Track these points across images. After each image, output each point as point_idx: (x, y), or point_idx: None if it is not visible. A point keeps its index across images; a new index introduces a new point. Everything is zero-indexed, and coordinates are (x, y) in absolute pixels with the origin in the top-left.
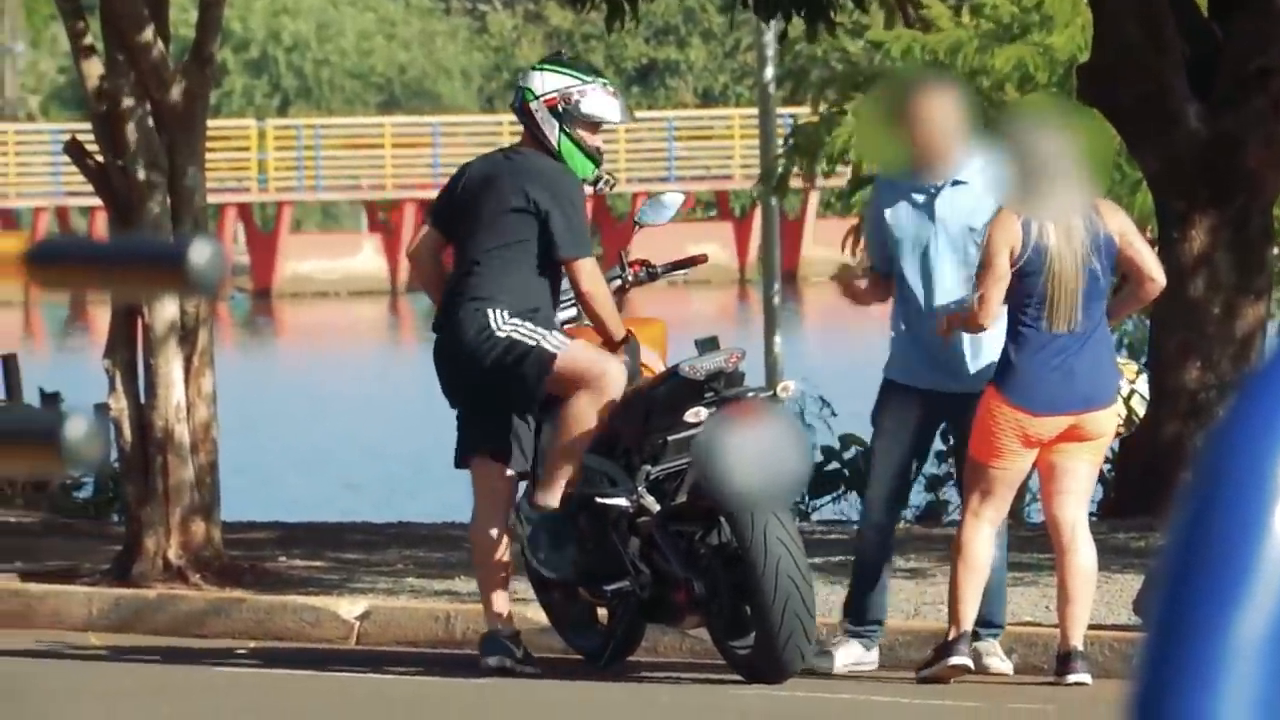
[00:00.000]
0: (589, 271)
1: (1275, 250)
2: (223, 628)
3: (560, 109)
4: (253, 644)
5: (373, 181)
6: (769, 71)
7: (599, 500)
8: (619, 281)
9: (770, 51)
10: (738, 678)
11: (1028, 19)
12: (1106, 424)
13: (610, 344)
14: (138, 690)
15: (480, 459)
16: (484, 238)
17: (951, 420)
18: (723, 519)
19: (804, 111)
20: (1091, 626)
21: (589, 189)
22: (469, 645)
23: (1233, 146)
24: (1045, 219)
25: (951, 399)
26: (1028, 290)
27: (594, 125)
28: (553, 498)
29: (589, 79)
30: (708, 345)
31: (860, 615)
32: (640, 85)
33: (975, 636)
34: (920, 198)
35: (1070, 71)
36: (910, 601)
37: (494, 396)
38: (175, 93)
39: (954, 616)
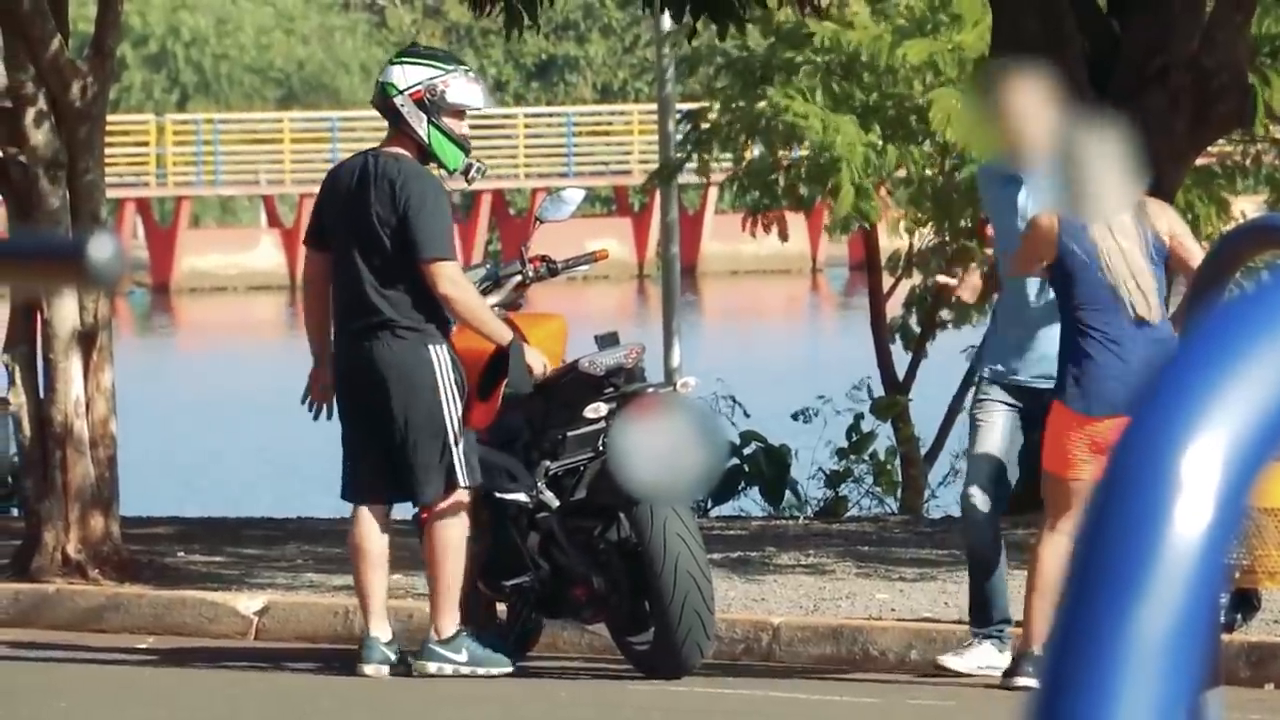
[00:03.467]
0: (448, 275)
1: None
2: (121, 623)
3: (426, 101)
4: (151, 639)
5: (271, 176)
6: (668, 67)
7: (498, 495)
8: (519, 277)
9: (668, 47)
10: (636, 673)
11: (937, 18)
12: None
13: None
14: (36, 685)
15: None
16: (368, 248)
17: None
18: (622, 515)
19: (704, 106)
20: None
21: (460, 179)
22: None
23: (1132, 142)
24: (1091, 221)
25: (1040, 394)
26: (1078, 292)
27: (460, 113)
28: (449, 625)
29: (450, 67)
30: (607, 341)
31: (984, 617)
32: (539, 81)
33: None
34: (1011, 187)
35: (979, 69)
36: (809, 597)
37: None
38: (75, 88)
39: (1024, 633)
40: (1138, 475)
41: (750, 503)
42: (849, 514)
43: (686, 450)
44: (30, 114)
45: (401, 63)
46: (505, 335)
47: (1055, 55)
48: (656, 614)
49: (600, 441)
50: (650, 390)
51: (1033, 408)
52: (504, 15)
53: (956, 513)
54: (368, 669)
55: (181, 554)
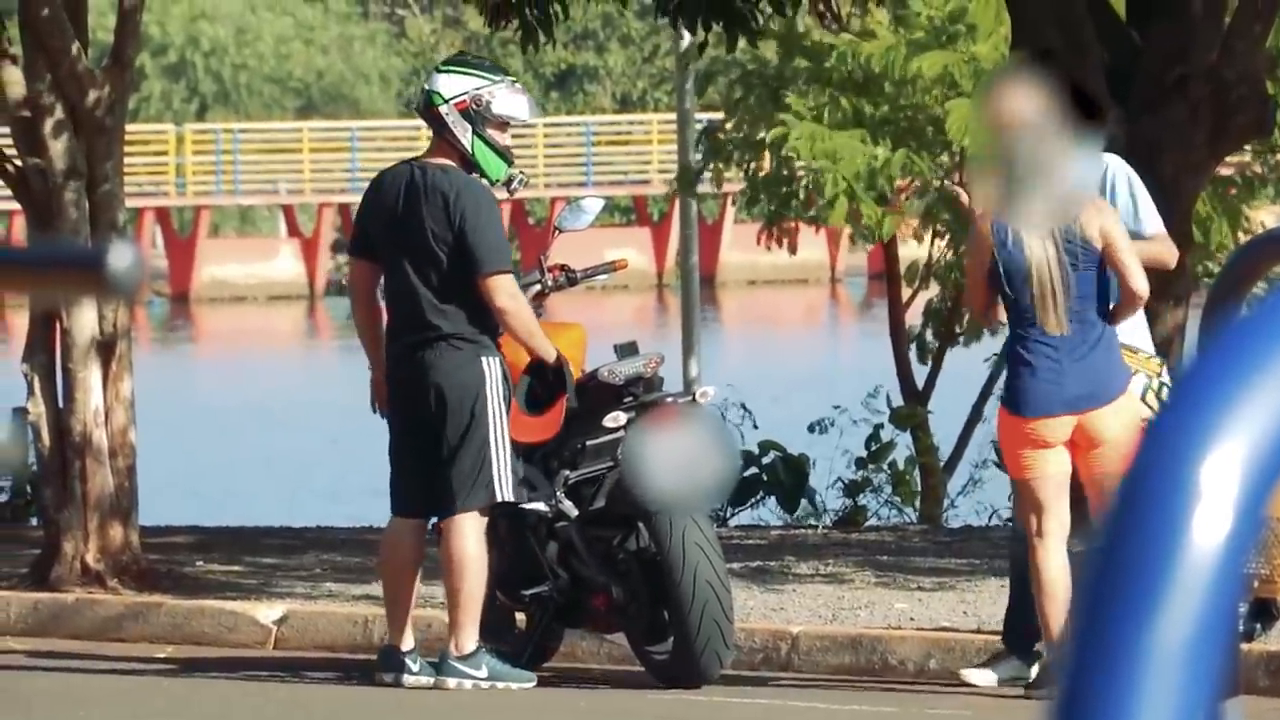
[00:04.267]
0: (506, 288)
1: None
2: (141, 632)
3: (472, 111)
4: (171, 648)
5: (291, 186)
6: (688, 77)
7: (517, 505)
8: (538, 286)
9: (688, 56)
10: (655, 683)
11: (953, 28)
12: (1112, 424)
13: (539, 364)
14: (55, 694)
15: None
16: (421, 261)
17: None
18: (641, 524)
19: (721, 120)
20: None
21: (503, 190)
22: None
23: (1151, 153)
24: (1020, 226)
25: None
26: (1012, 296)
27: (503, 124)
28: (469, 640)
29: (497, 78)
30: (626, 350)
31: (1016, 632)
32: (559, 90)
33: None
34: None
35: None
36: (828, 606)
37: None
38: (94, 97)
39: (1045, 642)
40: (1157, 485)
41: (769, 512)
42: (868, 523)
43: (704, 459)
44: (49, 124)
45: (448, 71)
46: (552, 352)
47: (1074, 64)
48: (675, 623)
49: (619, 450)
50: (669, 400)
51: None
52: (520, 30)
53: (976, 522)
54: (387, 678)
55: (200, 563)
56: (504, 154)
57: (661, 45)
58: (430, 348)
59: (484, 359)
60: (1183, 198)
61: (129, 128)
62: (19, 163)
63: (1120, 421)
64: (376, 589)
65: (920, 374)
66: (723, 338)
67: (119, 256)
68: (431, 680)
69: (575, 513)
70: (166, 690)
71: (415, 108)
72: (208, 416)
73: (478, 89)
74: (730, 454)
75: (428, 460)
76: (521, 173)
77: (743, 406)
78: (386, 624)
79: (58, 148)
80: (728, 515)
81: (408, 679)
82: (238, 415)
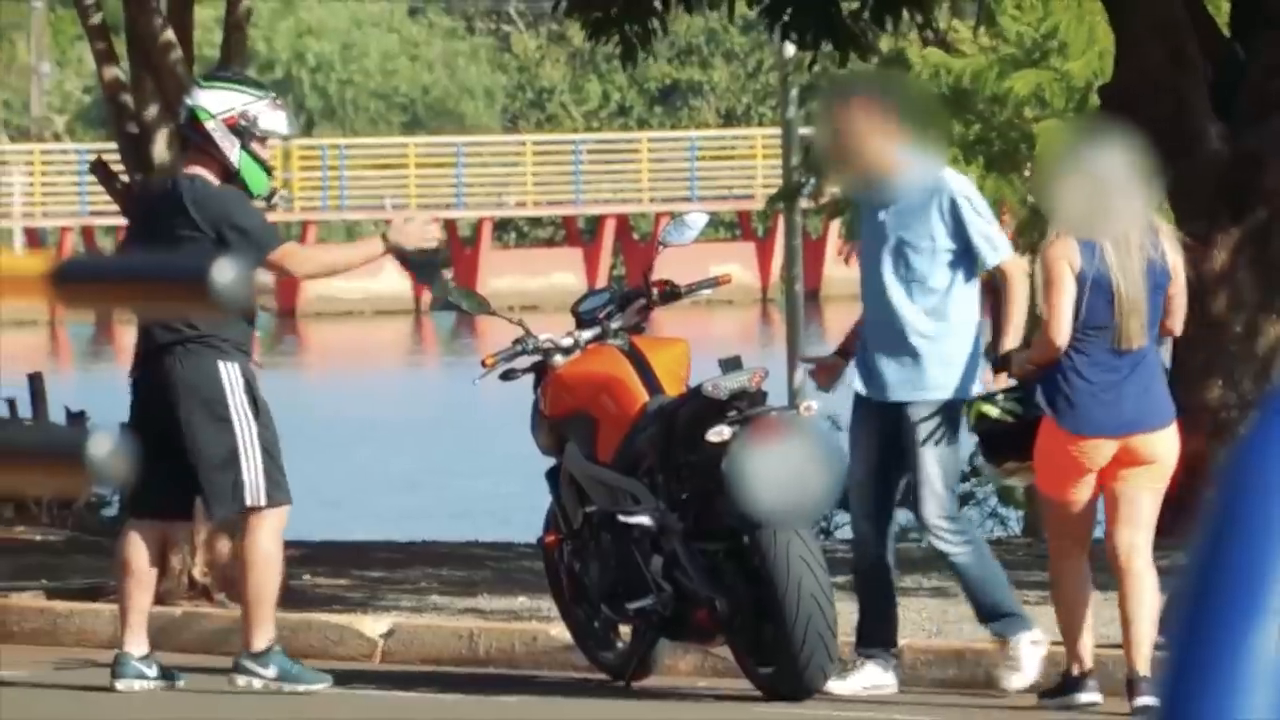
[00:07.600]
0: (291, 254)
1: None
2: None
3: (240, 126)
4: None
5: (396, 201)
6: (791, 91)
7: (622, 518)
8: (643, 301)
9: (792, 70)
10: (759, 696)
11: (1046, 45)
12: (1160, 447)
13: (398, 256)
14: (162, 709)
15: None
16: None
17: (897, 432)
18: (745, 537)
19: None
20: (1114, 646)
21: (263, 203)
22: (493, 663)
23: (1254, 165)
24: (1106, 238)
25: (892, 409)
26: (1080, 313)
27: (264, 139)
28: (262, 639)
29: (260, 94)
30: (730, 365)
31: (869, 639)
32: (663, 105)
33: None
34: (875, 212)
35: (1086, 98)
36: (933, 620)
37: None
38: None
39: (1070, 656)
40: (1259, 498)
41: None
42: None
43: (808, 472)
44: (157, 140)
45: (212, 87)
46: (378, 244)
47: (1178, 79)
48: (779, 637)
49: (723, 464)
50: (773, 413)
51: (893, 422)
52: (620, 45)
53: None
54: (119, 685)
55: (307, 577)
56: (267, 168)
57: (765, 60)
58: (170, 351)
59: (221, 363)
60: None
61: None
62: (126, 178)
63: (1169, 448)
64: (482, 603)
65: None
66: (827, 352)
67: (223, 271)
68: (160, 686)
69: (680, 526)
70: (273, 704)
71: (178, 125)
72: (314, 431)
73: (245, 105)
74: (836, 466)
75: (175, 463)
76: (285, 188)
77: (831, 420)
78: (119, 629)
79: (164, 163)
80: (832, 528)
81: (138, 684)
82: (344, 430)
